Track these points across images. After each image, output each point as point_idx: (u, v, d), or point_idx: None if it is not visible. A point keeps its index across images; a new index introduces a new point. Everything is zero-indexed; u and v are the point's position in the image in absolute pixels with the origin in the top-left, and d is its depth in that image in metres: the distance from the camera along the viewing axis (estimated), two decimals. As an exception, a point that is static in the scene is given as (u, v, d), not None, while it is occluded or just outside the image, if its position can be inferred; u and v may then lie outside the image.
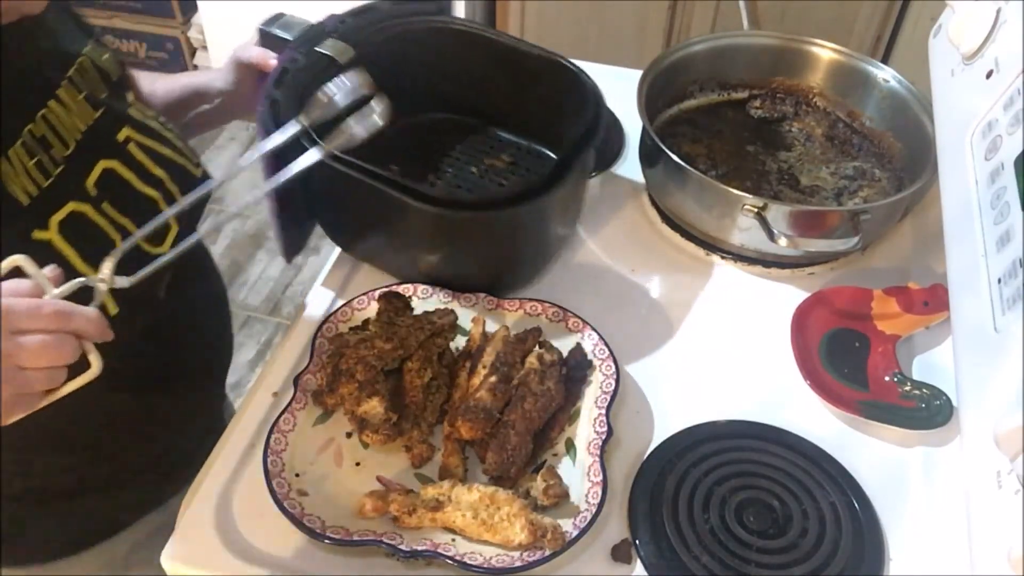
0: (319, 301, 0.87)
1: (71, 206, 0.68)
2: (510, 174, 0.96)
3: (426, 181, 0.94)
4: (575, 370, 0.78)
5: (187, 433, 0.91)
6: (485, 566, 0.64)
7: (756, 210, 0.85)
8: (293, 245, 0.89)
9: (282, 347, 0.83)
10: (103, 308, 0.59)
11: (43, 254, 0.63)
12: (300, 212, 0.87)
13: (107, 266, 0.60)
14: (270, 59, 0.86)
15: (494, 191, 0.92)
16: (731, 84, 1.09)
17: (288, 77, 0.81)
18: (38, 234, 0.65)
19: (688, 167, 0.88)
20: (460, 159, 0.97)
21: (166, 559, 0.68)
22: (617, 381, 0.76)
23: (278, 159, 0.70)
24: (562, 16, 1.98)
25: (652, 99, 0.97)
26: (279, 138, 0.69)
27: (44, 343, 0.54)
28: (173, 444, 0.90)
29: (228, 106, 0.96)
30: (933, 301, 0.84)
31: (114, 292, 0.61)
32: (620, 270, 0.93)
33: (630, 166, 1.04)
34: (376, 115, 0.67)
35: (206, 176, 0.82)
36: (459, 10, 2.00)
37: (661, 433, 0.77)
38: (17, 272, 0.57)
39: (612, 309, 0.87)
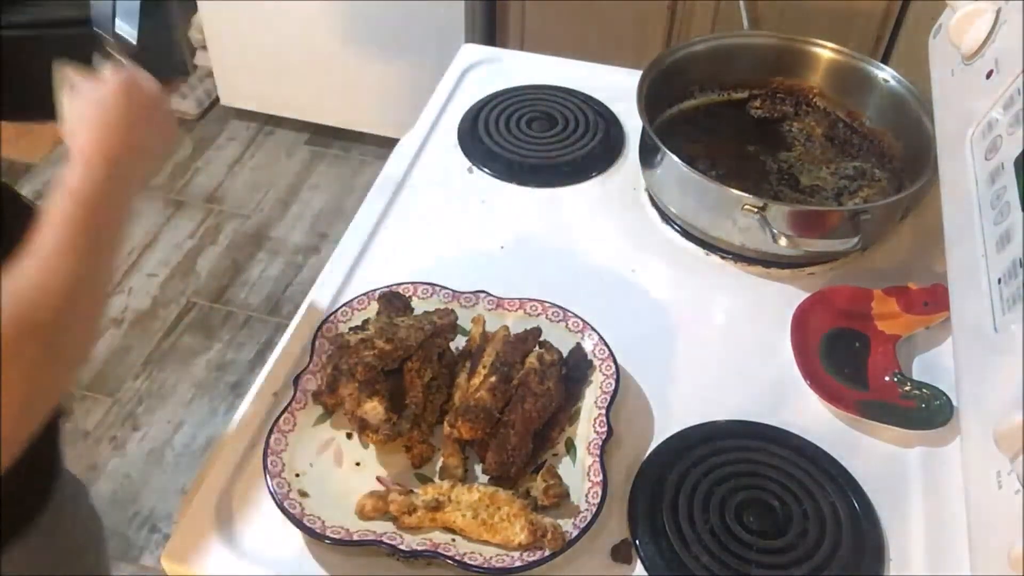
0: (319, 301, 0.87)
1: None
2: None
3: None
4: (575, 370, 0.78)
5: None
6: (485, 566, 0.64)
7: (756, 210, 0.85)
8: None
9: (282, 347, 0.83)
10: None
11: None
12: None
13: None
14: None
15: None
16: (731, 84, 1.09)
17: None
18: None
19: (688, 167, 0.88)
20: None
21: (166, 559, 0.68)
22: (617, 381, 0.76)
23: None
24: (562, 16, 1.98)
25: (652, 99, 0.97)
26: None
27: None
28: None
29: None
30: (933, 301, 0.84)
31: None
32: (620, 270, 0.93)
33: (630, 166, 1.05)
34: None
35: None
36: (459, 10, 2.00)
37: (661, 433, 0.77)
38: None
39: (612, 309, 0.87)
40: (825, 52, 1.05)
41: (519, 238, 0.96)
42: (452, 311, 0.79)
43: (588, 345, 0.79)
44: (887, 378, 0.81)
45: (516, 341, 0.78)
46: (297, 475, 0.70)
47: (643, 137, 0.99)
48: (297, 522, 0.65)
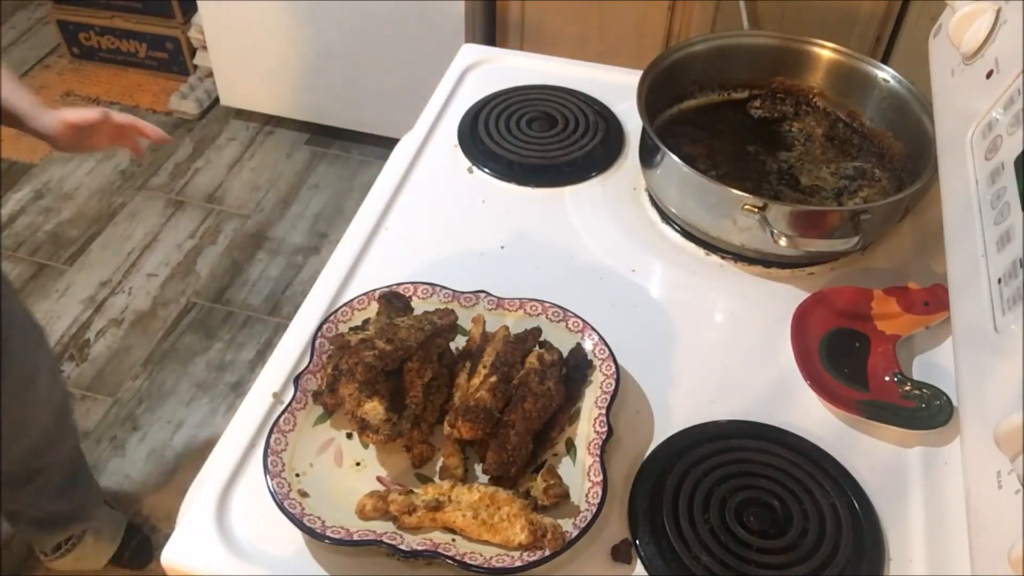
0: (319, 301, 0.87)
1: None
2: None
3: None
4: (575, 370, 0.78)
5: None
6: (485, 566, 0.64)
7: (756, 210, 0.85)
8: None
9: (282, 347, 0.83)
10: None
11: None
12: None
13: None
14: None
15: None
16: (731, 84, 1.09)
17: None
18: None
19: (688, 167, 0.88)
20: None
21: (166, 559, 0.68)
22: (617, 381, 0.76)
23: None
24: (562, 16, 1.98)
25: (652, 99, 0.97)
26: None
27: None
28: None
29: None
30: (933, 301, 0.84)
31: None
32: (620, 270, 0.93)
33: (630, 166, 1.05)
34: None
35: None
36: (459, 10, 2.00)
37: (661, 433, 0.77)
38: None
39: (612, 309, 0.87)
40: (825, 52, 1.05)
41: (519, 238, 0.96)
42: (452, 311, 0.79)
43: (588, 345, 0.79)
44: (887, 378, 0.81)
45: (516, 341, 0.78)
46: (297, 475, 0.70)
47: (643, 137, 0.99)
48: (297, 522, 0.65)
